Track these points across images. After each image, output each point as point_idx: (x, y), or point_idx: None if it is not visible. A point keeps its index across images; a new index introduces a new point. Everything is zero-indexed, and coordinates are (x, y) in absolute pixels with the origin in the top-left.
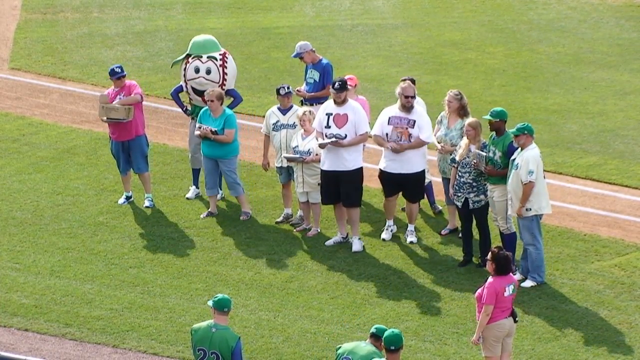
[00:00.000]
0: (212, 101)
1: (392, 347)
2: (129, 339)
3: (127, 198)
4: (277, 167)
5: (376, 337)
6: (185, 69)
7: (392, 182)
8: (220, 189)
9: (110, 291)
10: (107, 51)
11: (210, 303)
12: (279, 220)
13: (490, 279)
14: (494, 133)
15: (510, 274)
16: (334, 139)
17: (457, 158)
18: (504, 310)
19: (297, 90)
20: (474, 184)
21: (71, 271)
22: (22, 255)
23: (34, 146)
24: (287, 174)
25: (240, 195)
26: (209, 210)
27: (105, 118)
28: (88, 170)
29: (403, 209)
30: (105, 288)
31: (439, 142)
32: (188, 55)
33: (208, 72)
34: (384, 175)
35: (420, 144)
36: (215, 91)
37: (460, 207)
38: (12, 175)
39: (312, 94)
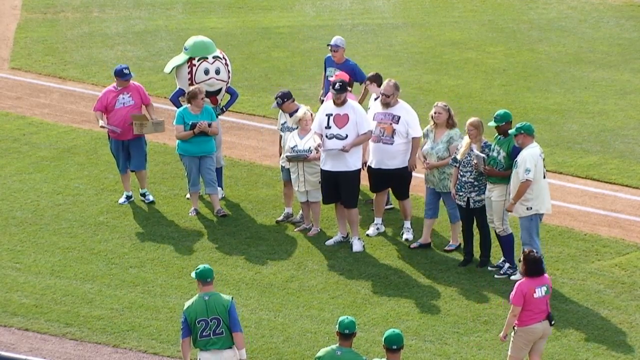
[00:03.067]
0: (202, 98)
1: (394, 347)
2: (129, 338)
3: (128, 197)
4: (280, 165)
5: (344, 335)
6: (190, 72)
7: (378, 177)
8: (222, 189)
9: (111, 291)
10: (107, 51)
11: (193, 275)
12: (279, 219)
13: (520, 280)
14: (500, 136)
15: (545, 275)
16: (340, 146)
17: (458, 157)
18: (536, 313)
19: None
20: (476, 183)
21: (71, 271)
22: (22, 255)
23: (34, 146)
24: (287, 173)
25: (216, 194)
26: (194, 207)
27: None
28: (88, 170)
29: (390, 208)
30: (105, 288)
31: (424, 157)
32: (190, 59)
33: (217, 72)
34: (370, 170)
35: (418, 142)
36: (202, 88)
37: (462, 206)
38: (12, 175)
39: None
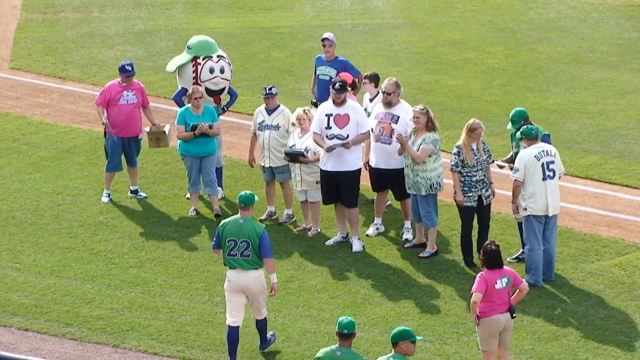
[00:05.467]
0: (202, 97)
1: (392, 342)
2: (129, 338)
3: (108, 195)
4: (260, 165)
5: (343, 335)
6: (195, 71)
7: (378, 177)
8: (222, 189)
9: (111, 291)
10: (107, 51)
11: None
12: (262, 218)
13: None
14: (516, 132)
15: (504, 267)
16: (342, 142)
17: (468, 162)
18: (498, 304)
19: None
20: (485, 180)
21: (71, 271)
22: (22, 255)
23: (34, 146)
24: (270, 172)
25: (215, 195)
26: (194, 207)
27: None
28: (88, 170)
29: (387, 205)
30: (105, 288)
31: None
32: (195, 57)
33: (222, 70)
34: (370, 169)
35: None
36: (200, 88)
37: (473, 206)
38: (12, 175)
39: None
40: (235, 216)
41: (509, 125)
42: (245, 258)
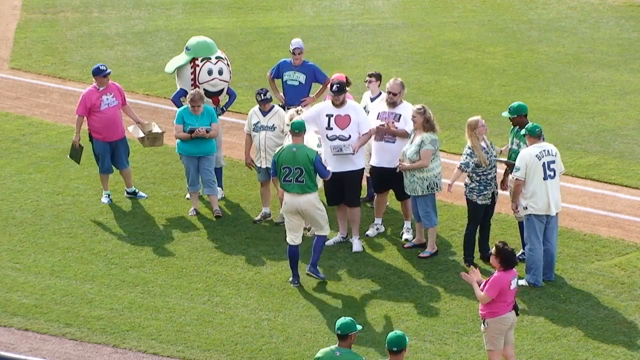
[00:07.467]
0: (202, 104)
1: (395, 349)
2: (129, 338)
3: (108, 196)
4: (256, 166)
5: (339, 336)
6: (193, 73)
7: (380, 176)
8: (222, 189)
9: (111, 291)
10: (107, 51)
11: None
12: (256, 219)
13: (496, 273)
14: (516, 127)
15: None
16: (350, 149)
17: (481, 163)
18: (508, 304)
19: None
20: (495, 176)
21: (71, 271)
22: (22, 255)
23: (34, 146)
24: (265, 173)
25: (214, 195)
26: (194, 207)
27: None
28: (88, 170)
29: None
30: (105, 288)
31: (400, 160)
32: (193, 59)
33: (220, 72)
34: (373, 169)
35: (404, 134)
36: (200, 92)
37: (488, 204)
38: (12, 175)
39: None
40: (288, 144)
41: (505, 113)
42: (300, 184)
